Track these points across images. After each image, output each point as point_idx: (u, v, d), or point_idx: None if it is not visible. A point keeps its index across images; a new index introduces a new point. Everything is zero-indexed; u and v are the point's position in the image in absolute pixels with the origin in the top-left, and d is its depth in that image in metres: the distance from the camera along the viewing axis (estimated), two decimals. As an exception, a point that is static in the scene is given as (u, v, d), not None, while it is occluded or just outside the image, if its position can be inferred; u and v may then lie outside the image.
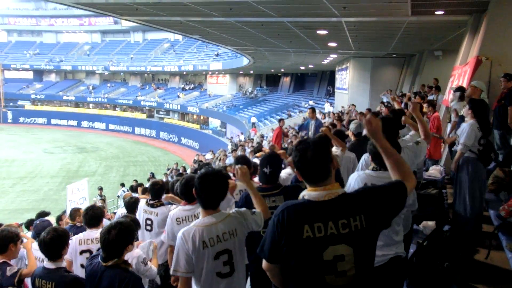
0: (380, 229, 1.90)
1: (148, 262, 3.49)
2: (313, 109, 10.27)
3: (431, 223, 4.50)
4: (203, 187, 2.48)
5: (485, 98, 5.96)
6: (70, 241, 3.74)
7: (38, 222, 5.74)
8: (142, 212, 4.60)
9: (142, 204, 4.72)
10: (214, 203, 2.52)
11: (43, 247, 2.96)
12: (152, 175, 18.61)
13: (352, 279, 1.78)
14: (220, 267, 2.48)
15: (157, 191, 4.59)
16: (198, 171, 4.02)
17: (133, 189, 12.58)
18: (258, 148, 7.07)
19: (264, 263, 2.01)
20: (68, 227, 5.22)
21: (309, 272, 1.80)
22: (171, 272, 2.53)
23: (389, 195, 1.90)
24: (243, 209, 2.70)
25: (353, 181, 2.93)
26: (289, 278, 1.91)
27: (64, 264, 3.04)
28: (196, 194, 2.52)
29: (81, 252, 3.78)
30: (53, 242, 2.95)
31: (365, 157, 3.52)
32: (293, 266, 1.83)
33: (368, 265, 1.86)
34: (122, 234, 2.71)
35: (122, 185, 17.66)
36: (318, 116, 14.37)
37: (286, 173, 4.54)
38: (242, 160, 4.17)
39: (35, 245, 3.88)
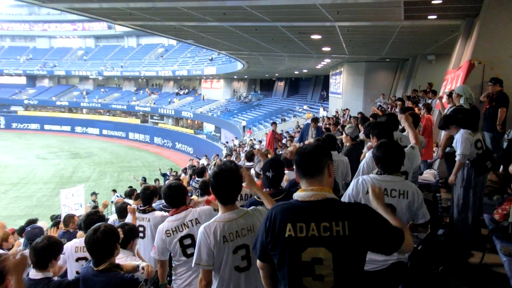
0: (365, 247, 1.83)
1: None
2: (316, 119, 11.23)
3: (425, 227, 4.50)
4: (220, 183, 2.56)
5: (466, 104, 5.98)
6: (65, 247, 3.69)
7: (29, 228, 5.75)
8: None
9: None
10: (232, 198, 2.62)
11: (33, 254, 2.88)
12: (144, 180, 18.48)
13: (331, 285, 1.76)
14: (238, 261, 2.57)
15: (148, 196, 4.47)
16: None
17: (127, 194, 12.49)
18: (250, 153, 7.02)
19: (258, 261, 2.07)
20: (61, 234, 5.16)
21: (288, 272, 1.82)
22: (193, 265, 2.60)
23: (382, 226, 1.85)
24: (260, 207, 2.82)
25: (356, 185, 2.91)
26: (277, 280, 1.95)
27: (50, 274, 2.92)
28: (213, 191, 2.62)
29: (77, 259, 3.69)
30: (44, 250, 2.87)
31: (367, 160, 3.58)
32: (276, 266, 1.88)
33: (351, 275, 1.80)
34: (108, 233, 2.73)
35: (114, 191, 17.54)
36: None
37: None
38: None
39: (25, 252, 3.80)
